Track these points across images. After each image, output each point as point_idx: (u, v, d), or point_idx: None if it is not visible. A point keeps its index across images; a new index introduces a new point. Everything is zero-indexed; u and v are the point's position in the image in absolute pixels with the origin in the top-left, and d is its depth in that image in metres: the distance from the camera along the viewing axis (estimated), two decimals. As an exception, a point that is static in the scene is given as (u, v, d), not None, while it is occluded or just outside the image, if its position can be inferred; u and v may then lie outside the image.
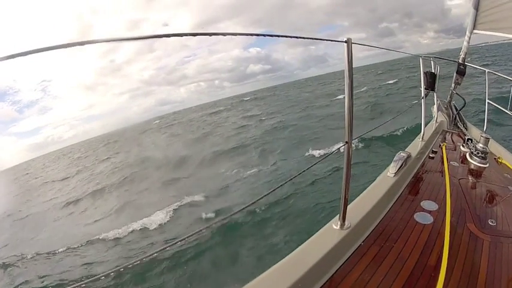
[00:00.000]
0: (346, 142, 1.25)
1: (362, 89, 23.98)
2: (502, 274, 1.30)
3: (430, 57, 3.11)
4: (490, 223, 1.70)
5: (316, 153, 9.02)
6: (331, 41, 1.29)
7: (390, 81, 26.80)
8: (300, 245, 1.29)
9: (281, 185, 1.20)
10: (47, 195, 16.11)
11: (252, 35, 0.99)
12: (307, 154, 9.31)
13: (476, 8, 3.19)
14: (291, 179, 1.26)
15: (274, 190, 1.19)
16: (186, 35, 0.77)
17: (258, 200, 1.14)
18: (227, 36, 0.84)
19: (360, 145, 8.54)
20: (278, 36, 1.07)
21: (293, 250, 1.26)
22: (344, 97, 1.21)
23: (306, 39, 1.24)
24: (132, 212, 8.28)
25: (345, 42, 1.17)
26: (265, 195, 1.32)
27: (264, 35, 1.03)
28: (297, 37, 1.16)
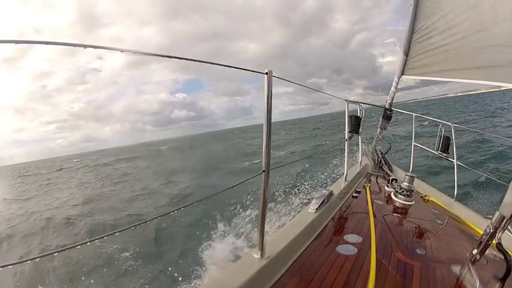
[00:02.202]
0: (264, 171, 1.25)
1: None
2: None
3: (356, 102, 3.20)
4: (419, 251, 1.72)
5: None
6: (252, 71, 1.32)
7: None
8: (220, 271, 1.11)
9: (196, 202, 1.20)
10: None
11: (180, 58, 1.01)
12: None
13: (407, 54, 3.45)
14: (207, 198, 1.23)
15: (186, 206, 1.17)
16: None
17: (169, 212, 1.14)
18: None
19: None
20: (202, 62, 1.11)
21: (213, 277, 1.08)
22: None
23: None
24: None
25: (266, 74, 1.22)
26: (178, 209, 1.10)
27: (193, 60, 1.06)
28: (220, 64, 1.19)
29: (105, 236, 0.87)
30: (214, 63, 1.17)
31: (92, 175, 22.80)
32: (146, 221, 0.99)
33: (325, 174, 7.64)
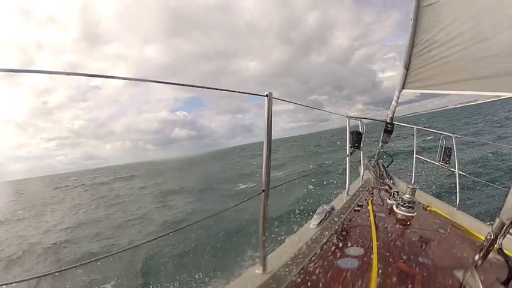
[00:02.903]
0: (263, 190, 1.29)
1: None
2: None
3: (357, 118, 3.24)
4: (421, 261, 1.71)
5: None
6: (253, 94, 1.37)
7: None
8: (222, 286, 0.94)
9: (196, 222, 1.21)
10: None
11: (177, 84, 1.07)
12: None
13: (407, 67, 3.43)
14: (206, 218, 1.24)
15: (191, 224, 1.20)
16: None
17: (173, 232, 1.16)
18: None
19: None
20: (203, 88, 1.16)
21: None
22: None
23: (228, 92, 1.30)
24: None
25: (266, 96, 1.25)
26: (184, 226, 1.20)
27: (191, 86, 1.09)
28: (221, 89, 1.26)
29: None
30: (216, 89, 1.23)
31: (87, 195, 22.37)
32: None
33: (329, 191, 7.48)
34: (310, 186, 9.40)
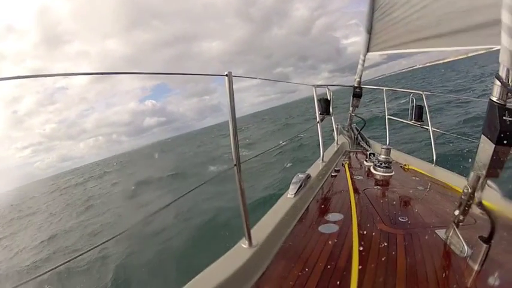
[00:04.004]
0: (235, 165, 1.32)
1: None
2: (422, 259, 1.32)
3: (324, 85, 3.26)
4: (401, 219, 1.74)
5: None
6: (213, 75, 1.48)
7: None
8: (209, 264, 1.27)
9: (175, 200, 1.23)
10: None
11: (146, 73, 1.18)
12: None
13: (369, 31, 3.45)
14: (184, 195, 1.27)
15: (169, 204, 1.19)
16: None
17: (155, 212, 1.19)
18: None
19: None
20: (164, 74, 1.24)
21: (202, 269, 1.23)
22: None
23: (189, 76, 1.24)
24: None
25: (226, 75, 1.27)
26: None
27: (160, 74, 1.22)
28: (182, 74, 1.36)
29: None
30: (176, 74, 1.33)
31: (62, 200, 21.38)
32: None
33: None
34: (288, 164, 9.15)
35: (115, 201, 13.14)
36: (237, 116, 1.33)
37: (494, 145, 1.09)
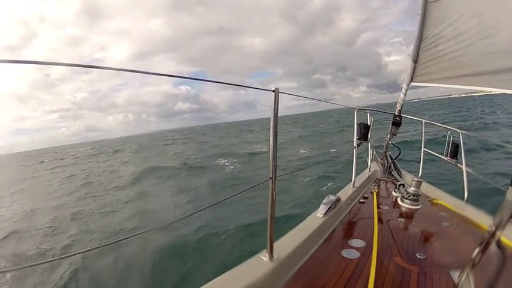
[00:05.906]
0: (271, 178, 1.34)
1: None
2: None
3: (365, 109, 3.24)
4: (418, 256, 1.74)
5: None
6: (260, 89, 1.48)
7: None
8: (226, 271, 1.26)
9: (204, 208, 1.28)
10: None
11: (183, 77, 1.23)
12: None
13: (415, 61, 3.39)
14: (214, 204, 1.29)
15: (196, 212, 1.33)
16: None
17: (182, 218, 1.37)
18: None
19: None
20: (209, 81, 1.23)
21: (219, 275, 1.23)
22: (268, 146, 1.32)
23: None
24: None
25: (273, 91, 1.29)
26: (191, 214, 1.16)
27: (195, 79, 1.37)
28: (226, 83, 1.38)
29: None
30: (222, 83, 1.35)
31: (67, 172, 21.99)
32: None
33: (335, 183, 7.66)
34: (318, 176, 9.11)
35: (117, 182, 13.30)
36: (267, 115, 1.34)
37: None
